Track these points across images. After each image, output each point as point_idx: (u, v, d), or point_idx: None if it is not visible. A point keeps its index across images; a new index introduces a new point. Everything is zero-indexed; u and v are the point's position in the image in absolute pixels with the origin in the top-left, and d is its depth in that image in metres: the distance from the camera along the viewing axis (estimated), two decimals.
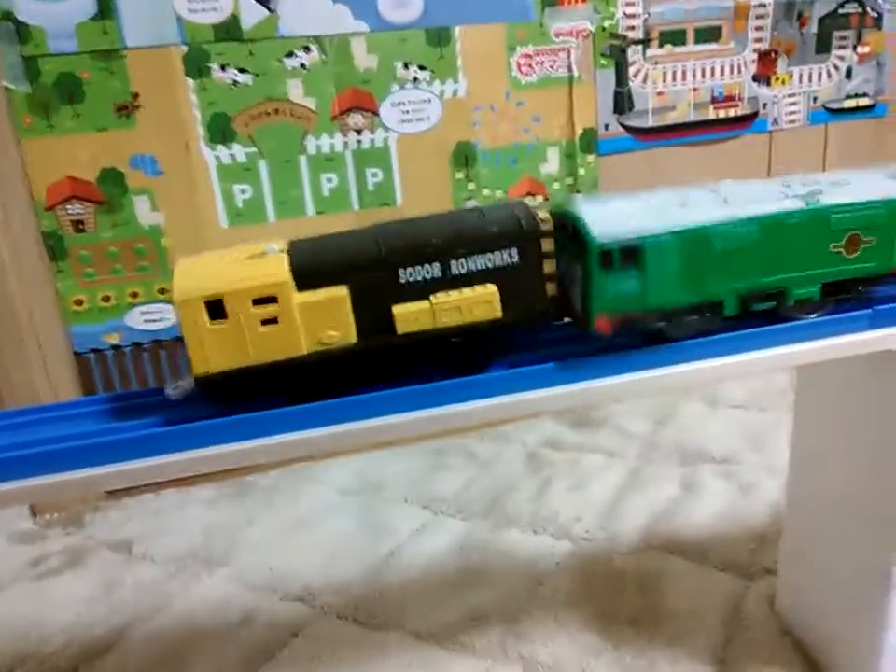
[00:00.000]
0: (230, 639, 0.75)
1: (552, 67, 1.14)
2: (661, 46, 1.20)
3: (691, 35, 1.20)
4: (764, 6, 1.22)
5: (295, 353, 0.44)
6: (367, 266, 0.44)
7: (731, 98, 1.26)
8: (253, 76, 1.01)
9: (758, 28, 1.24)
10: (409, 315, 0.45)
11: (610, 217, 0.47)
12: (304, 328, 0.44)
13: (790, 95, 1.30)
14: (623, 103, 1.20)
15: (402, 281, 0.45)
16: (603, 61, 1.17)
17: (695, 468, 1.00)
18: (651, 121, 1.22)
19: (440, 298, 0.45)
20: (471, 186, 1.15)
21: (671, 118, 1.24)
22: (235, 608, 0.80)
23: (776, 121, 1.30)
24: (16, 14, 0.91)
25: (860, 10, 1.31)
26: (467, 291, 0.45)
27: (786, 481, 0.69)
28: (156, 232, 1.02)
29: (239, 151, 1.03)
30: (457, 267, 0.45)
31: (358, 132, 1.08)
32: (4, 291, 0.97)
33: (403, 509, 0.96)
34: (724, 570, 0.80)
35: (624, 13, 1.16)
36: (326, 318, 0.44)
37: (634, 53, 1.19)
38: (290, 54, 1.02)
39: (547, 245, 0.47)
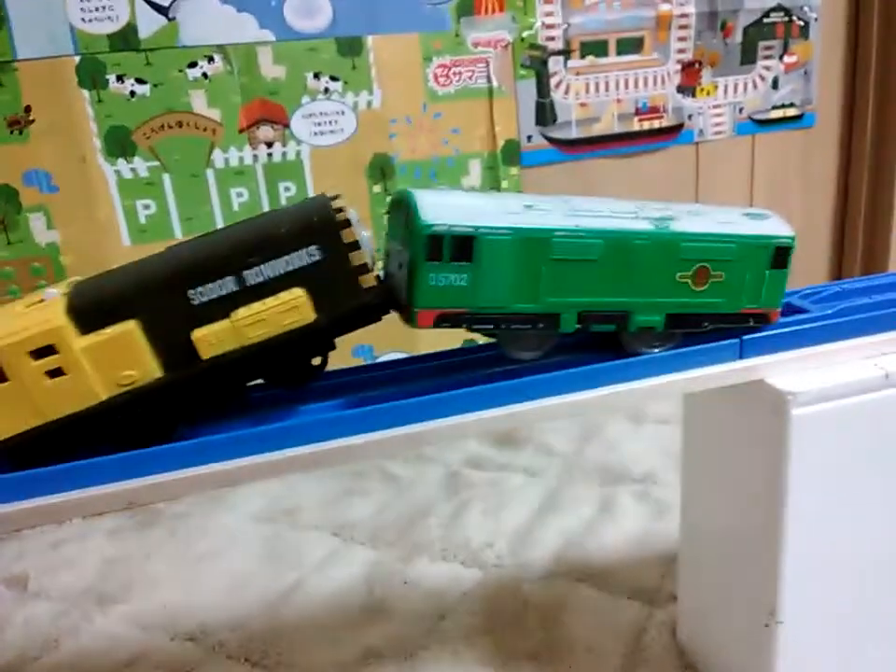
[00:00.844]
0: None
1: (470, 78, 1.12)
2: (583, 57, 1.18)
3: (612, 46, 1.19)
4: (687, 16, 1.21)
5: (92, 401, 0.40)
6: (152, 293, 0.41)
7: (655, 109, 1.24)
8: (152, 86, 0.97)
9: (681, 38, 1.23)
10: (211, 338, 0.41)
11: (449, 205, 0.44)
12: (96, 372, 0.40)
13: (715, 106, 1.30)
14: (545, 114, 1.18)
15: (195, 302, 0.41)
16: (523, 72, 1.15)
17: (614, 488, 0.98)
18: (574, 133, 1.21)
19: (240, 313, 0.41)
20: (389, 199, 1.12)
21: (596, 129, 1.22)
22: (124, 648, 0.76)
23: (701, 133, 1.29)
24: None
25: (785, 19, 1.31)
26: (270, 301, 0.42)
27: (680, 508, 0.67)
28: (53, 250, 0.97)
29: (140, 165, 0.99)
30: (253, 277, 0.41)
31: (269, 144, 1.04)
32: None
33: (313, 536, 0.93)
34: (631, 598, 0.78)
35: (543, 23, 1.14)
36: (119, 358, 0.40)
37: (555, 64, 1.17)
38: (193, 64, 0.98)
39: (349, 235, 0.43)
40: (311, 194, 1.08)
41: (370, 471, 1.07)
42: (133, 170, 0.98)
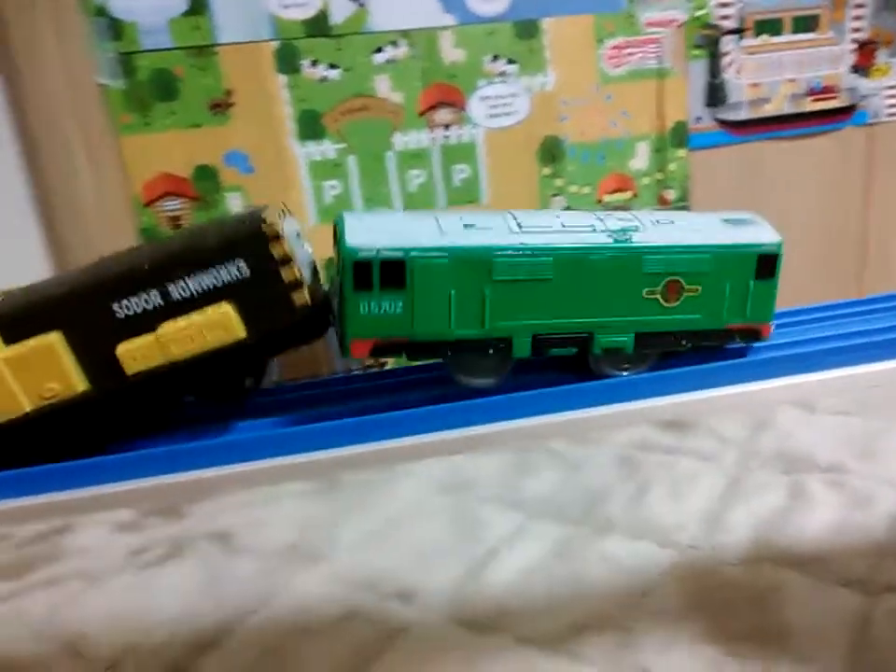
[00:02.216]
0: (335, 636, 0.74)
1: (642, 59, 1.11)
2: (756, 36, 1.15)
3: (788, 25, 1.16)
4: None
5: (17, 412, 0.40)
6: (75, 305, 0.40)
7: (829, 90, 1.20)
8: (342, 71, 1.00)
9: (857, 17, 1.19)
10: (135, 353, 0.40)
11: (379, 228, 0.42)
12: (20, 384, 0.40)
13: (889, 87, 1.24)
14: (716, 95, 1.16)
15: (120, 315, 0.40)
16: (695, 51, 1.13)
17: (801, 476, 0.95)
18: (744, 114, 1.18)
19: (165, 328, 0.40)
20: (559, 182, 1.12)
21: (766, 110, 1.19)
22: (336, 604, 0.78)
23: (875, 114, 1.24)
24: (110, 10, 0.92)
25: None
26: (196, 316, 0.40)
27: None
28: None
29: (329, 147, 1.02)
30: (179, 291, 0.40)
31: (446, 127, 1.06)
32: None
33: (496, 509, 0.94)
34: (845, 586, 0.75)
35: (718, 2, 1.12)
36: (42, 370, 0.40)
37: (727, 44, 1.14)
38: (379, 49, 1.01)
39: (279, 249, 0.41)
40: (483, 177, 1.09)
41: (536, 449, 1.08)
42: (321, 152, 1.02)
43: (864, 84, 1.22)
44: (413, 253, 0.41)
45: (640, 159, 1.15)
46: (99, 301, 0.40)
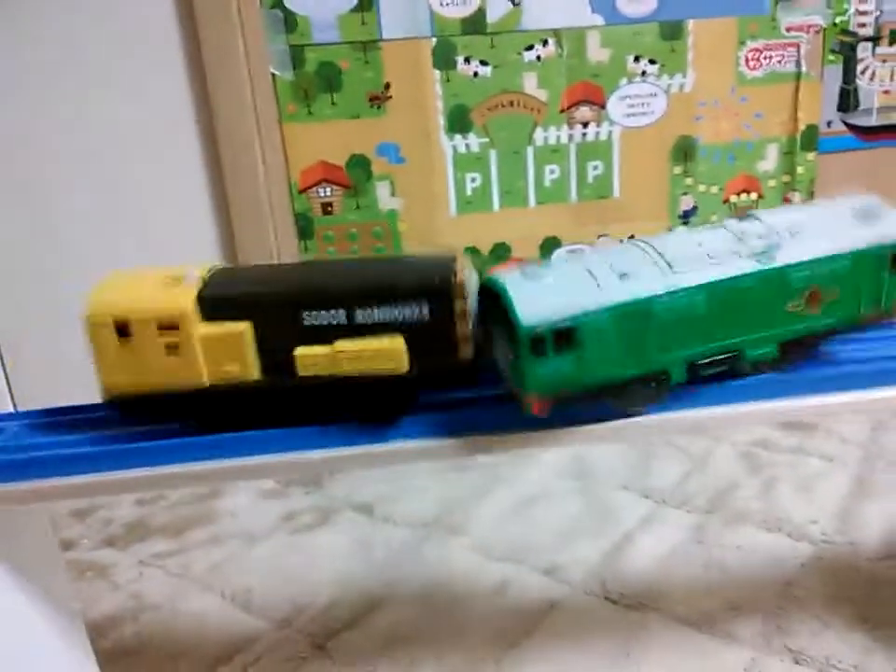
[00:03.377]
0: (489, 606, 0.79)
1: (779, 62, 1.13)
2: (891, 44, 1.16)
3: None
4: None
5: (197, 382, 0.44)
6: (270, 304, 0.44)
7: None
8: (493, 68, 1.04)
9: None
10: (309, 358, 0.44)
11: (544, 294, 0.44)
12: (206, 359, 0.44)
13: None
14: (848, 100, 1.17)
15: (306, 323, 0.44)
16: (832, 57, 1.15)
17: None
18: (875, 120, 1.19)
19: (343, 344, 0.44)
20: (689, 181, 1.15)
21: (895, 117, 1.19)
22: (486, 575, 0.83)
23: None
24: (285, 3, 0.97)
25: None
26: (372, 341, 0.44)
27: None
28: (393, 217, 1.07)
29: (473, 141, 1.06)
30: (363, 316, 0.44)
31: (585, 125, 1.10)
32: None
33: (624, 496, 0.98)
34: None
35: (857, 9, 1.13)
36: (227, 352, 0.44)
37: (863, 50, 1.15)
38: (529, 47, 1.04)
39: (460, 304, 0.44)
40: (616, 174, 1.13)
41: (657, 443, 1.11)
42: (466, 145, 1.06)
43: None
44: (580, 319, 0.43)
45: (769, 161, 1.17)
46: (292, 307, 0.44)
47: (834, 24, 1.13)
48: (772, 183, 1.18)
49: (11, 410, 0.96)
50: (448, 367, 0.45)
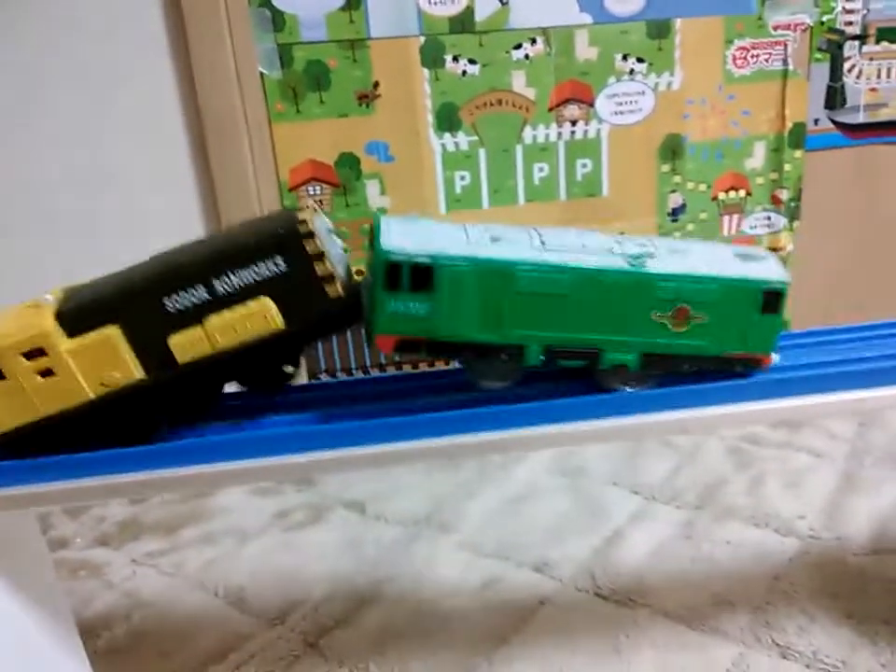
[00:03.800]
0: (478, 602, 0.79)
1: (766, 61, 1.13)
2: (877, 42, 1.17)
3: None
4: None
5: (81, 399, 0.44)
6: (131, 300, 0.44)
7: None
8: (481, 66, 1.04)
9: None
10: (185, 344, 0.44)
11: (414, 234, 0.45)
12: (83, 373, 0.44)
13: None
14: (835, 98, 1.18)
15: (171, 309, 0.44)
16: (818, 55, 1.15)
17: None
18: (861, 117, 1.20)
19: (212, 320, 0.44)
20: (677, 179, 1.15)
21: (883, 114, 1.20)
22: (475, 571, 0.84)
23: None
24: (273, 1, 0.97)
25: None
26: (240, 308, 0.44)
27: None
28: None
29: (462, 140, 1.07)
30: (223, 285, 0.44)
31: (573, 123, 1.10)
32: None
33: (614, 492, 0.98)
34: None
35: (844, 8, 1.14)
36: (104, 360, 0.44)
37: (850, 49, 1.16)
38: (518, 46, 1.05)
39: (313, 246, 0.44)
40: (605, 172, 1.13)
41: (646, 438, 1.12)
42: (455, 144, 1.07)
43: None
44: (441, 260, 0.44)
45: (757, 158, 1.17)
46: (152, 297, 0.44)
47: (821, 23, 1.14)
48: (760, 180, 1.18)
49: None
50: (323, 309, 0.45)
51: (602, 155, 1.12)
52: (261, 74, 0.98)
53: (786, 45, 1.13)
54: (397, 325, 0.45)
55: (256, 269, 0.44)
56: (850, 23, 1.15)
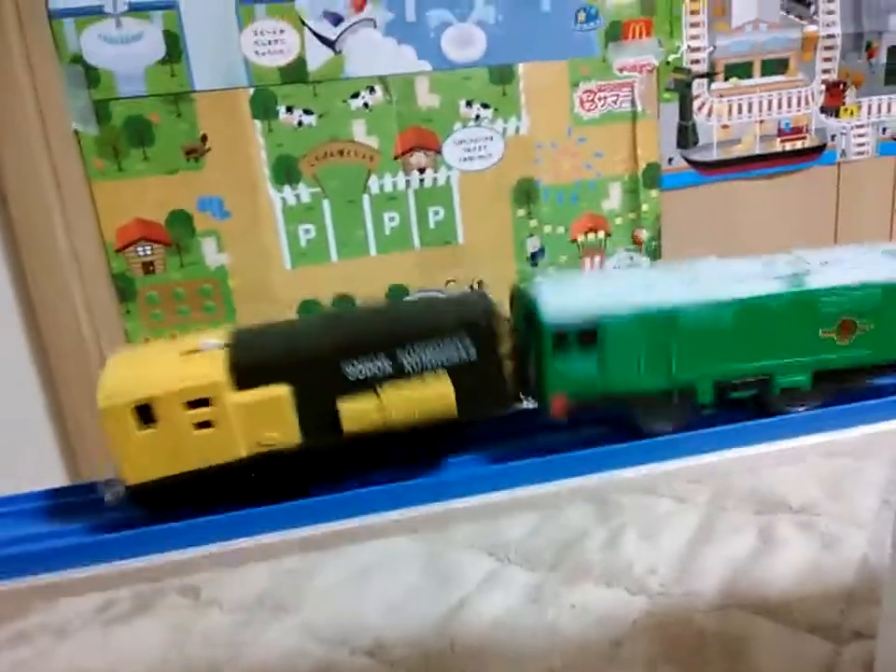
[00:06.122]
0: None
1: (615, 102, 1.13)
2: (726, 79, 1.18)
3: (757, 68, 1.18)
4: (833, 36, 1.19)
5: (232, 456, 0.40)
6: (310, 362, 0.41)
7: (798, 130, 1.23)
8: (318, 116, 1.01)
9: (826, 59, 1.21)
10: (356, 413, 0.41)
11: (568, 296, 0.45)
12: (242, 429, 0.40)
13: (858, 126, 1.27)
14: (687, 137, 1.18)
15: (350, 377, 0.41)
16: (667, 95, 1.15)
17: (772, 517, 0.96)
18: (715, 154, 1.20)
19: (389, 394, 0.41)
20: (533, 223, 1.13)
21: (736, 151, 1.21)
22: (307, 660, 0.78)
23: (843, 153, 1.26)
24: (85, 58, 0.92)
25: None
26: (419, 386, 0.42)
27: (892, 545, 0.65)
28: (222, 273, 1.02)
29: (304, 192, 1.03)
30: (408, 360, 0.42)
31: (421, 170, 1.07)
32: (76, 333, 0.97)
33: (468, 556, 0.94)
34: (812, 632, 0.76)
35: (689, 46, 1.14)
36: (265, 419, 0.40)
37: (699, 87, 1.17)
38: (355, 95, 1.02)
39: (504, 346, 0.44)
40: (458, 219, 1.10)
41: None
42: (296, 196, 1.03)
43: (833, 124, 1.25)
44: (604, 318, 0.44)
45: (613, 199, 1.16)
46: (332, 362, 0.41)
47: (667, 62, 1.14)
48: (619, 220, 1.17)
49: None
50: (497, 409, 0.44)
51: (454, 202, 1.09)
52: (76, 131, 0.93)
53: (633, 86, 1.12)
54: (568, 385, 0.44)
55: (445, 350, 0.42)
56: (697, 61, 1.15)
